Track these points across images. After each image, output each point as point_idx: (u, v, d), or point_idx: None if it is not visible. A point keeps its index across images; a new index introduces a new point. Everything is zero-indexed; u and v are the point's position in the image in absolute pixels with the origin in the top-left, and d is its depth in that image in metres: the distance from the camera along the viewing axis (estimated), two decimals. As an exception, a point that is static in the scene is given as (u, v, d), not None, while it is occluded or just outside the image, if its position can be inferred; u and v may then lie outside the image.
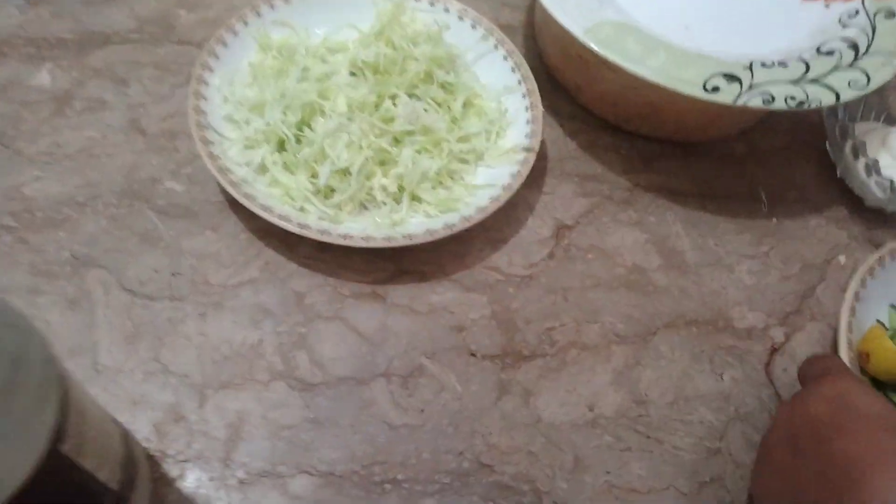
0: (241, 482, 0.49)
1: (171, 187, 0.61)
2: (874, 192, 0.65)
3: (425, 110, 0.61)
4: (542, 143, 0.69)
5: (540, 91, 0.70)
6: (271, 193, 0.57)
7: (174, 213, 0.60)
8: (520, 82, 0.64)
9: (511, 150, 0.61)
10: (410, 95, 0.62)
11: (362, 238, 0.54)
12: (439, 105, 0.63)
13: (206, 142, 0.56)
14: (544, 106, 0.71)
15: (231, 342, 0.54)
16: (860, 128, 0.71)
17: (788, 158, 0.73)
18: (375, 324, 0.57)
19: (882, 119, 0.73)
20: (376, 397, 0.54)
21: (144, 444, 0.49)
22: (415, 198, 0.59)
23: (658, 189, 0.68)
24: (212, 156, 0.55)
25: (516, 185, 0.58)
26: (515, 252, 0.62)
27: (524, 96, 0.64)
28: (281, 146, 0.59)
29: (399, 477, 0.51)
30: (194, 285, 0.56)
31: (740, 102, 0.55)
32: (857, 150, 0.64)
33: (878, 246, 0.68)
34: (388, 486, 0.50)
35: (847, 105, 0.69)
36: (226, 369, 0.53)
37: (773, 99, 0.56)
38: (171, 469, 0.49)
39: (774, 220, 0.68)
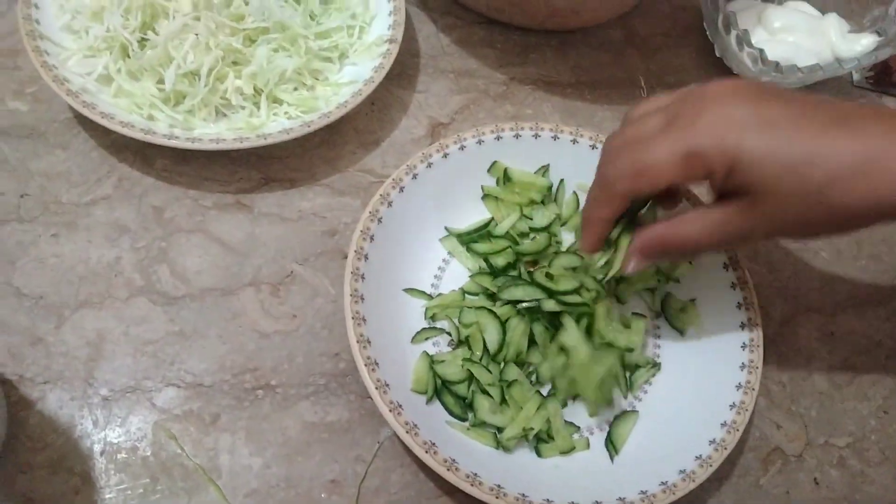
0: (105, 399, 0.48)
1: (15, 107, 0.57)
2: (747, 64, 0.64)
3: (280, 7, 0.58)
4: (415, 40, 0.67)
5: (412, -14, 0.68)
6: (117, 104, 0.54)
7: (19, 134, 0.56)
8: (380, -27, 0.62)
9: (374, 44, 0.59)
10: (265, -7, 0.58)
11: (212, 140, 0.51)
12: (296, 1, 0.60)
13: (40, 52, 0.53)
14: (415, 2, 0.69)
15: (87, 261, 0.52)
16: (738, 5, 0.70)
17: (668, 43, 0.72)
18: (241, 234, 0.55)
19: (761, -4, 0.72)
20: (245, 307, 0.52)
21: (0, 370, 0.48)
22: (275, 100, 0.57)
23: (535, 81, 0.67)
24: (46, 66, 0.52)
25: (379, 77, 0.56)
26: (389, 153, 0.61)
27: (385, -13, 0.61)
28: (125, 53, 0.55)
29: (272, 382, 0.50)
30: (45, 206, 0.54)
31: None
32: (729, 23, 0.63)
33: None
34: (260, 393, 0.49)
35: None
36: (83, 289, 0.51)
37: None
38: (31, 392, 0.47)
39: (655, 105, 0.68)
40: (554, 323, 0.51)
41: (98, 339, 0.49)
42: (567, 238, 0.57)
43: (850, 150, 0.37)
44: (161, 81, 0.54)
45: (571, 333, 0.49)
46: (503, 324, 0.50)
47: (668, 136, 0.40)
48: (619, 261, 0.47)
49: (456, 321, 0.52)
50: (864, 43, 0.65)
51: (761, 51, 0.62)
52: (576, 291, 0.51)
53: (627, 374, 0.52)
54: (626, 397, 0.51)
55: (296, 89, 0.58)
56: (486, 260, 0.54)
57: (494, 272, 0.53)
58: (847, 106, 0.40)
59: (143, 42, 0.55)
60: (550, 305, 0.50)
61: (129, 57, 0.55)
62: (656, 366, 0.52)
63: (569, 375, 0.49)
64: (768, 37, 0.67)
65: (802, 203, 0.39)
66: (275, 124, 0.56)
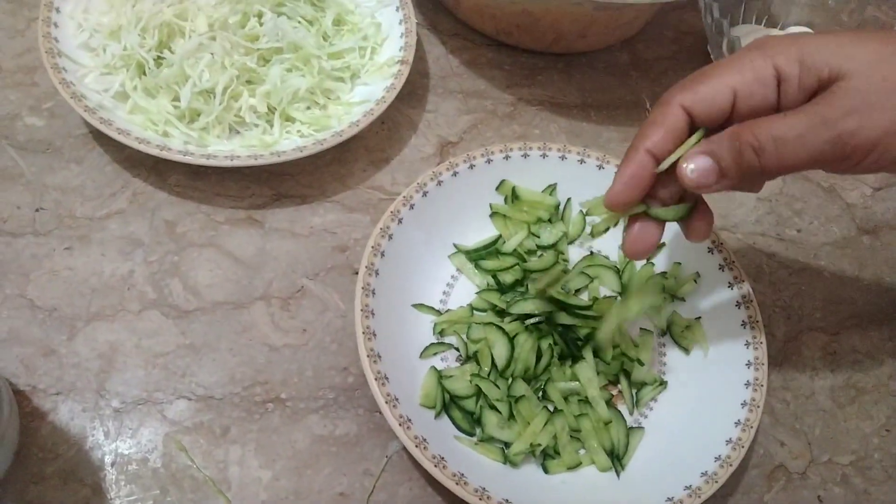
0: (117, 411, 0.48)
1: (32, 122, 0.59)
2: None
3: (294, 28, 0.59)
4: (424, 61, 0.68)
5: (420, 9, 0.69)
6: (133, 120, 0.55)
7: (35, 149, 0.57)
8: (392, -5, 0.63)
9: (385, 65, 0.60)
10: (279, 14, 0.60)
11: (226, 157, 0.52)
12: (309, 22, 0.61)
13: (59, 69, 0.54)
14: (426, 24, 0.70)
15: (100, 274, 0.53)
16: (741, 30, 0.72)
17: (673, 66, 0.73)
18: (253, 249, 0.56)
19: (763, 22, 0.73)
20: (256, 320, 0.53)
21: (12, 381, 0.48)
22: (288, 118, 0.58)
23: (541, 102, 0.68)
24: (65, 82, 0.53)
25: (390, 98, 0.57)
26: (399, 171, 0.62)
27: (397, 9, 0.62)
28: (141, 71, 0.56)
29: (282, 396, 0.50)
30: (59, 219, 0.55)
31: (604, -1, 0.55)
32: (733, 47, 0.64)
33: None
34: (270, 406, 0.50)
35: (724, 5, 0.69)
36: (95, 301, 0.52)
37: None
38: (43, 403, 0.48)
39: (659, 126, 0.69)
40: (564, 337, 0.51)
41: (110, 352, 0.50)
42: (574, 255, 0.58)
43: None
44: (176, 99, 0.55)
45: (588, 373, 0.50)
46: (511, 340, 0.51)
47: (730, 57, 0.37)
48: (681, 154, 0.37)
49: (464, 337, 0.52)
50: (866, 67, 0.66)
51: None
52: (588, 307, 0.51)
53: (634, 391, 0.53)
54: (632, 413, 0.52)
55: (308, 108, 0.59)
56: (494, 277, 0.55)
57: (502, 289, 0.54)
58: None
59: (159, 60, 0.57)
60: (564, 318, 0.51)
61: (145, 75, 0.56)
62: (663, 384, 0.53)
63: (584, 426, 0.50)
64: (771, 61, 0.68)
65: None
66: (287, 142, 0.57)
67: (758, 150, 0.35)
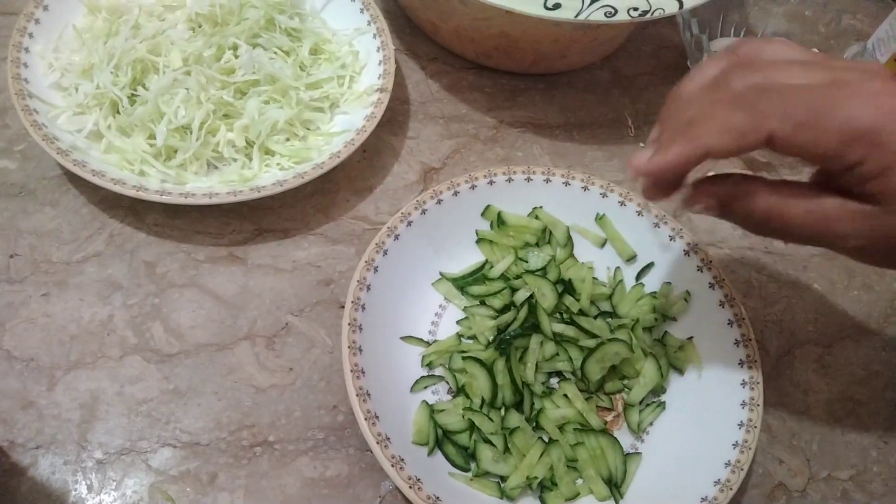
0: (100, 462, 0.47)
1: (4, 165, 0.57)
2: (732, 104, 0.65)
3: (270, 59, 0.58)
4: (404, 87, 0.67)
5: (399, 35, 0.69)
6: (108, 160, 0.53)
7: (8, 193, 0.56)
8: (369, 22, 0.62)
9: (365, 93, 0.59)
10: (255, 46, 0.59)
11: (205, 195, 0.51)
12: (286, 53, 0.60)
13: (30, 111, 0.52)
14: (404, 50, 0.69)
15: (79, 320, 0.51)
16: (720, 43, 0.71)
17: (653, 82, 0.73)
18: (235, 287, 0.54)
19: (742, 33, 0.73)
20: (241, 361, 0.52)
21: (-10, 436, 0.47)
22: (268, 152, 0.57)
23: (524, 124, 0.67)
24: (36, 125, 0.52)
25: (371, 126, 0.57)
26: (382, 200, 0.61)
27: (375, 36, 0.62)
28: (115, 110, 0.55)
29: (270, 438, 0.49)
30: (35, 265, 0.53)
31: (582, 17, 0.55)
32: (712, 64, 0.64)
33: (749, 162, 0.68)
34: (258, 450, 0.48)
35: (703, 20, 0.69)
36: (75, 349, 0.50)
37: (616, 11, 0.55)
38: (22, 458, 0.46)
39: (641, 144, 0.68)
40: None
41: (91, 401, 0.49)
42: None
43: None
44: (152, 137, 0.54)
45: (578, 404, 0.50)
46: (491, 371, 0.50)
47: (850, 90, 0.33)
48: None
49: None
50: (846, 78, 0.65)
51: (746, 89, 0.63)
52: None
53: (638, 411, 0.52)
54: (634, 430, 0.51)
55: (288, 140, 0.58)
56: (482, 302, 0.54)
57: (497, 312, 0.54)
58: None
59: (133, 98, 0.55)
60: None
61: (119, 113, 0.55)
62: (661, 405, 0.52)
63: (580, 455, 0.49)
64: (751, 74, 0.68)
65: None
66: (268, 175, 0.56)
67: (776, 229, 0.38)
